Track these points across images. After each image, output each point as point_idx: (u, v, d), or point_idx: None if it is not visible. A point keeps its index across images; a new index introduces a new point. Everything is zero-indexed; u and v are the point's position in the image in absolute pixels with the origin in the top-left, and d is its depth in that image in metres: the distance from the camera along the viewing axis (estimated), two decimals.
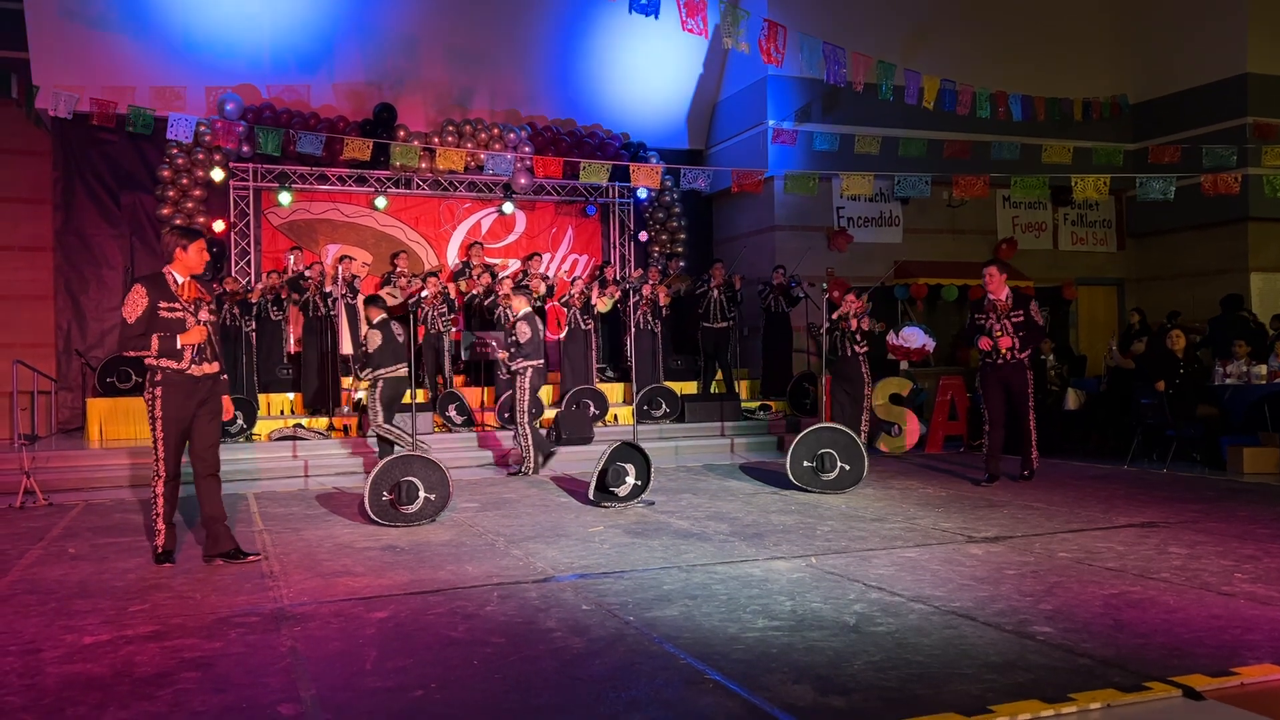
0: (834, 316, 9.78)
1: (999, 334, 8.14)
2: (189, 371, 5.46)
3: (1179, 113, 14.83)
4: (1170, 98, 15.06)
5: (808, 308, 12.76)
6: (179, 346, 5.39)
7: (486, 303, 11.93)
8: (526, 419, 9.00)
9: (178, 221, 11.77)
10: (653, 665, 3.61)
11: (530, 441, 9.02)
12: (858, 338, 9.78)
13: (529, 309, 9.23)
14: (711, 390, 12.71)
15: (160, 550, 5.57)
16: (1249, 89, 13.96)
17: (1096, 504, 7.22)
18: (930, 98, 11.71)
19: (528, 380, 8.96)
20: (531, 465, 9.10)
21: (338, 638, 4.03)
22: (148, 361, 5.42)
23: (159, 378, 5.42)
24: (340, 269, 11.31)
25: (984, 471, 8.42)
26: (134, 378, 11.30)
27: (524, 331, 8.95)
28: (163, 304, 5.40)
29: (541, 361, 9.11)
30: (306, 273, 11.38)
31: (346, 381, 11.59)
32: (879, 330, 10.64)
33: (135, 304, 5.36)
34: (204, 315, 5.50)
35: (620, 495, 7.40)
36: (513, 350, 9.02)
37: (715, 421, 11.49)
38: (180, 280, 5.52)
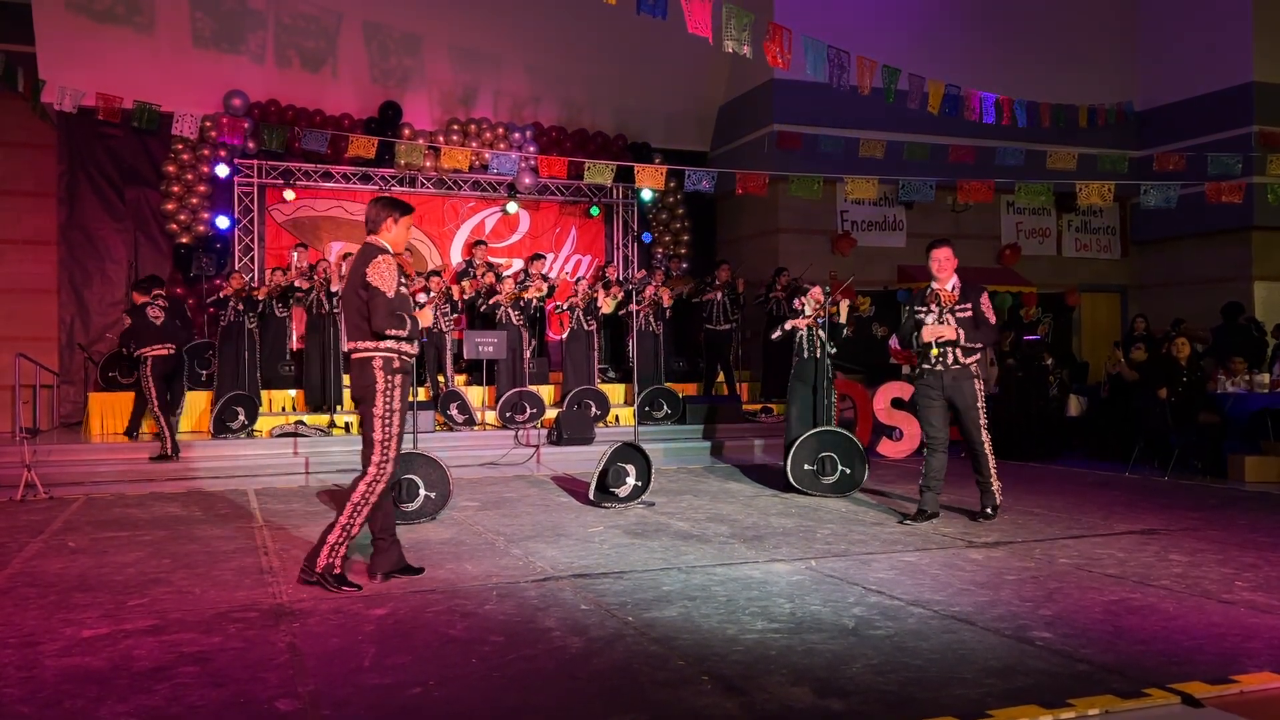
0: (815, 310, 8.45)
1: (930, 322, 6.60)
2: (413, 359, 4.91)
3: (1184, 120, 14.83)
4: (1176, 105, 15.06)
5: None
6: (419, 329, 4.86)
7: (487, 304, 11.90)
8: (158, 406, 9.29)
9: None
10: (651, 666, 3.60)
11: (163, 424, 9.33)
12: (847, 331, 8.74)
13: (145, 300, 9.51)
14: (713, 392, 12.71)
15: (340, 573, 4.77)
16: (1255, 97, 13.97)
17: (1097, 510, 7.21)
18: (935, 103, 11.71)
19: (149, 368, 9.27)
20: (170, 447, 9.33)
21: (337, 634, 4.03)
22: (386, 344, 4.74)
23: (396, 364, 4.77)
24: (344, 267, 11.31)
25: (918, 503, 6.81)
26: (136, 372, 11.31)
27: (125, 321, 9.56)
28: (401, 279, 4.80)
29: (165, 350, 9.37)
30: (298, 283, 11.31)
31: (348, 379, 11.57)
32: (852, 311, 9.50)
33: (391, 275, 4.69)
34: (421, 296, 5.02)
35: (620, 496, 7.40)
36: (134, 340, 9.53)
37: (716, 423, 11.48)
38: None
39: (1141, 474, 9.42)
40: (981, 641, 3.88)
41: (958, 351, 6.52)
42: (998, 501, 6.73)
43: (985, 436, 6.63)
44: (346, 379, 11.37)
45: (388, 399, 4.75)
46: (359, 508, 4.75)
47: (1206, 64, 14.53)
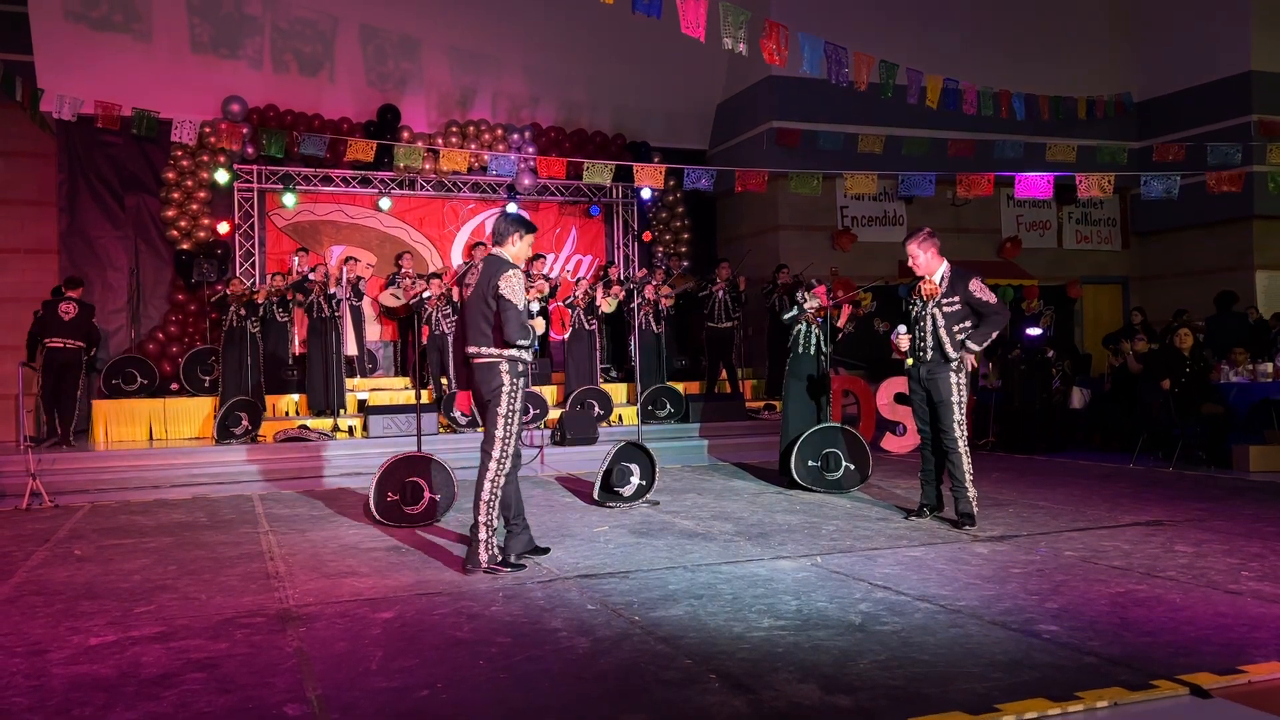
0: (818, 309, 8.35)
1: (904, 332, 6.40)
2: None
3: (1183, 111, 14.80)
4: (1174, 95, 15.03)
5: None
6: (536, 336, 5.24)
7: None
8: (41, 395, 10.22)
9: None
10: (658, 665, 3.60)
11: (43, 411, 10.21)
12: (846, 332, 8.44)
13: (69, 295, 10.19)
14: (716, 390, 12.71)
15: (503, 559, 5.24)
16: (1253, 86, 13.93)
17: (1102, 502, 7.21)
18: (933, 97, 11.70)
19: (43, 356, 10.03)
20: (52, 433, 10.20)
21: (343, 638, 4.03)
22: (509, 351, 5.14)
23: (520, 369, 5.19)
24: (345, 270, 11.32)
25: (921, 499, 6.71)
26: (139, 379, 11.33)
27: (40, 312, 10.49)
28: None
29: (60, 343, 10.11)
30: (311, 275, 11.40)
31: (351, 382, 11.60)
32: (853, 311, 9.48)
33: (521, 288, 5.11)
34: (534, 306, 5.26)
35: (625, 495, 7.40)
36: None
37: (719, 421, 11.48)
38: None
39: (1146, 465, 9.41)
40: (988, 635, 3.88)
41: (943, 344, 6.19)
42: (974, 510, 6.24)
43: (961, 433, 6.20)
44: (349, 382, 11.42)
45: (511, 400, 5.17)
46: (490, 503, 5.17)
47: (1205, 53, 14.50)
